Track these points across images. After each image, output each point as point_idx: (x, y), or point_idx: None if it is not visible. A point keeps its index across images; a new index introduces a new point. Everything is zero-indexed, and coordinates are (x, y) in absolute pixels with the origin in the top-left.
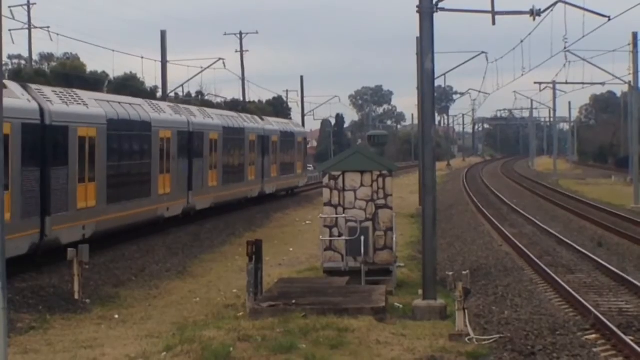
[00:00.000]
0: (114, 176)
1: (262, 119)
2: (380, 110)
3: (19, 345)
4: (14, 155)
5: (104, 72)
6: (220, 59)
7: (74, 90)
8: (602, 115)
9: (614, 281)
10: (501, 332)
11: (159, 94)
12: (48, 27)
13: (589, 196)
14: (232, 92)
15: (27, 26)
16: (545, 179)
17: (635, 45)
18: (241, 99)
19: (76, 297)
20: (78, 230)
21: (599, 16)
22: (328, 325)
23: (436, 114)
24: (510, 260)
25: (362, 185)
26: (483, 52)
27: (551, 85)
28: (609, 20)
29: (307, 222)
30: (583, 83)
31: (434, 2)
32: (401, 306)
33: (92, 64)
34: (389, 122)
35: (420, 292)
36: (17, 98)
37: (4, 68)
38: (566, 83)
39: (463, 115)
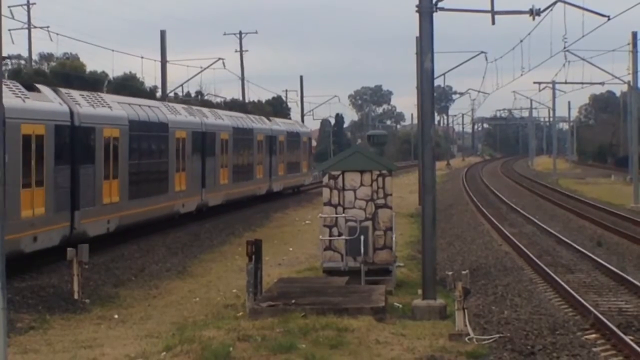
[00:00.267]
0: (135, 174)
1: (269, 120)
2: (379, 110)
3: (19, 345)
4: (48, 155)
5: (103, 72)
6: (219, 58)
7: (99, 93)
8: (602, 114)
9: (614, 281)
10: (501, 332)
11: (159, 93)
12: (48, 27)
13: (588, 195)
14: (232, 92)
15: (26, 26)
16: (545, 179)
17: (634, 45)
18: (240, 98)
19: (76, 297)
20: (103, 224)
21: (598, 16)
22: (327, 325)
23: (435, 114)
24: (510, 260)
25: (361, 184)
26: (482, 52)
27: (550, 85)
28: (609, 19)
29: (307, 221)
30: (582, 83)
31: (434, 2)
32: (401, 306)
33: (92, 63)
34: (388, 122)
35: (419, 291)
36: (50, 102)
37: (3, 68)
38: (565, 83)
39: (462, 115)
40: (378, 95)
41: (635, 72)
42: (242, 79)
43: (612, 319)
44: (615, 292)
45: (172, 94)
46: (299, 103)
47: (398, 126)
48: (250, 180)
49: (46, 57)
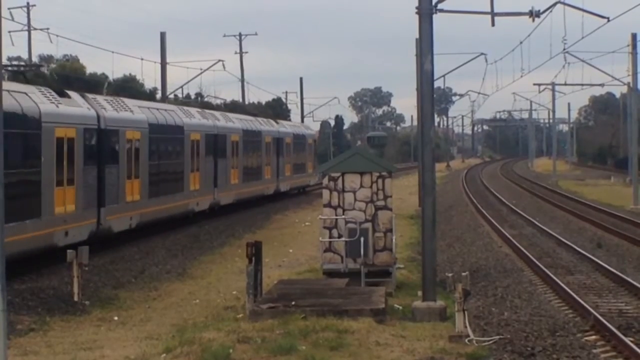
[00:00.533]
0: (154, 174)
1: (276, 122)
2: (379, 111)
3: (19, 347)
4: (78, 156)
5: (103, 73)
6: (219, 60)
7: (122, 98)
8: (601, 116)
9: (614, 282)
10: (501, 333)
11: (159, 95)
12: (47, 29)
13: (588, 197)
14: (232, 94)
15: (26, 28)
16: (545, 180)
17: (634, 46)
18: (240, 100)
19: (76, 298)
20: (126, 220)
21: (598, 17)
22: (327, 326)
23: (435, 115)
24: (510, 262)
25: (361, 186)
26: (482, 54)
27: (550, 87)
28: (608, 21)
29: (307, 223)
30: (582, 84)
31: (433, 4)
32: (401, 307)
33: (92, 65)
34: (388, 124)
35: (419, 293)
36: (80, 107)
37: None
38: (565, 84)
39: (462, 116)
40: (378, 97)
41: (635, 74)
42: (242, 80)
43: (612, 320)
44: (615, 294)
45: (172, 96)
46: (299, 105)
47: (398, 128)
48: (259, 181)
49: (46, 59)
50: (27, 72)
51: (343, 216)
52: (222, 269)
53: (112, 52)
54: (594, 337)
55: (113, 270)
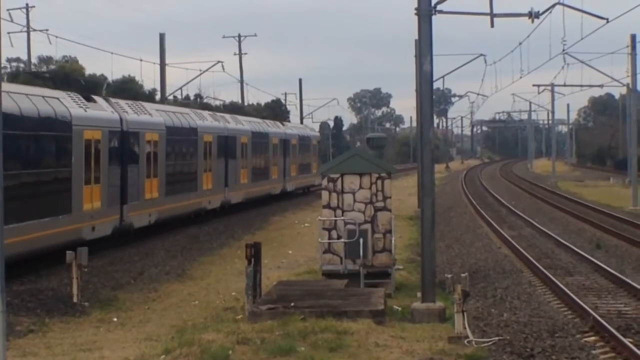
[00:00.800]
0: (170, 174)
1: (283, 124)
2: (378, 112)
3: (18, 349)
4: (103, 156)
5: (102, 74)
6: (219, 61)
7: (141, 102)
8: (601, 117)
9: (613, 283)
10: (500, 335)
11: (158, 96)
12: (47, 30)
13: (587, 198)
14: (231, 95)
15: (25, 29)
16: (544, 181)
17: (633, 47)
18: (239, 101)
19: (75, 300)
20: (146, 217)
21: (597, 18)
22: (327, 328)
23: (434, 117)
24: (509, 263)
25: (360, 187)
26: (481, 55)
27: (549, 88)
28: (608, 22)
29: (306, 224)
30: (581, 85)
31: (433, 5)
32: (400, 309)
33: (91, 66)
34: (387, 125)
35: (419, 294)
36: (104, 110)
37: (2, 71)
38: (564, 85)
39: (461, 117)
40: (377, 98)
41: (634, 75)
42: (241, 81)
43: (612, 321)
44: (615, 295)
45: (171, 97)
46: (298, 106)
47: (397, 129)
48: (266, 180)
49: (45, 60)
50: (25, 73)
51: (342, 217)
52: (221, 270)
53: (112, 53)
54: (593, 338)
55: (112, 271)
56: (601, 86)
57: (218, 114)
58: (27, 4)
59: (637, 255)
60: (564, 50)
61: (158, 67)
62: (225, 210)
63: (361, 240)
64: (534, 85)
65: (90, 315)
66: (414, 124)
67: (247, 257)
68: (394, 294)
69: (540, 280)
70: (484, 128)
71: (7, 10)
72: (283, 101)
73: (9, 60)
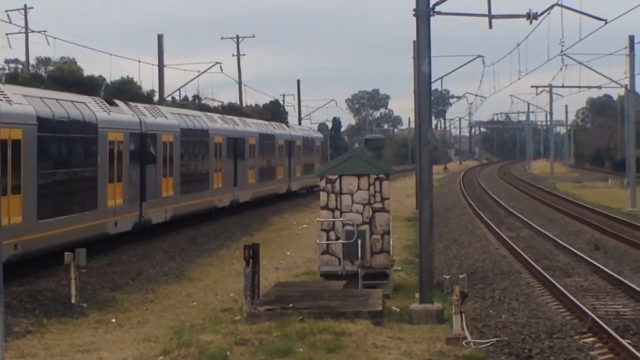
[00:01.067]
0: (184, 173)
1: (288, 126)
2: (376, 114)
3: (16, 350)
4: (125, 156)
5: (100, 76)
6: (217, 62)
7: (157, 106)
8: (599, 118)
9: (611, 284)
10: (498, 336)
11: (156, 98)
12: (45, 31)
13: (585, 199)
14: (229, 96)
15: (24, 30)
16: (542, 182)
17: (631, 48)
18: (238, 102)
19: (73, 301)
20: (162, 213)
21: (595, 19)
22: (325, 329)
23: (433, 118)
24: (507, 264)
25: (359, 188)
26: (480, 56)
27: (548, 89)
28: (606, 23)
29: (304, 225)
30: (580, 86)
31: (431, 6)
32: (398, 310)
33: (89, 68)
34: (385, 126)
35: (417, 295)
36: (125, 114)
37: (0, 72)
38: (563, 87)
39: (460, 118)
40: (375, 99)
41: (632, 76)
42: (240, 83)
43: (610, 322)
44: (613, 296)
45: (169, 98)
46: (297, 107)
47: (395, 130)
48: (273, 180)
49: (43, 61)
50: (23, 75)
51: (340, 218)
52: (219, 271)
53: (110, 54)
54: (591, 339)
55: (110, 272)
56: (599, 87)
57: (228, 116)
58: (25, 5)
59: (636, 257)
60: (562, 51)
61: (156, 68)
62: (233, 208)
63: (359, 242)
64: (532, 86)
65: (88, 316)
66: (412, 125)
67: (245, 258)
68: (392, 295)
69: (538, 281)
70: (482, 129)
71: (6, 11)
72: (281, 102)
73: (7, 61)
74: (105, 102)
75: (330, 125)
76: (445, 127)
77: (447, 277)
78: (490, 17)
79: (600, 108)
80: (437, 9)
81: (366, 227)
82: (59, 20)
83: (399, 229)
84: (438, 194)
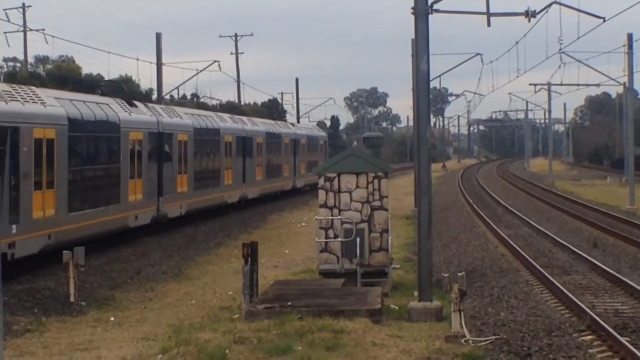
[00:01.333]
0: (198, 171)
1: (293, 125)
2: (375, 112)
3: (15, 348)
4: (144, 155)
5: (99, 74)
6: (215, 61)
7: (173, 107)
8: (598, 116)
9: (610, 282)
10: (497, 334)
11: (155, 96)
12: (43, 30)
13: (584, 197)
14: (228, 95)
15: (22, 29)
16: (541, 181)
17: (630, 46)
18: (237, 101)
19: (72, 299)
20: (178, 208)
21: (594, 18)
22: (324, 327)
23: (431, 116)
24: (506, 262)
25: (357, 187)
26: (478, 54)
27: (546, 87)
28: (604, 21)
29: (303, 224)
30: (578, 85)
31: (429, 4)
32: (397, 308)
33: (88, 66)
34: (384, 124)
35: (416, 293)
36: (144, 114)
37: None
38: (561, 85)
39: (458, 117)
40: (374, 98)
41: (630, 74)
42: (238, 81)
43: (609, 320)
44: (612, 294)
45: (168, 97)
46: (295, 105)
47: (394, 128)
48: (279, 178)
49: (42, 60)
50: (22, 74)
51: (339, 217)
52: (218, 270)
53: (108, 53)
54: (590, 337)
55: (109, 271)
56: (598, 85)
57: (236, 116)
58: (23, 4)
59: (634, 255)
60: (560, 49)
61: (155, 66)
62: (242, 204)
63: (358, 240)
64: (531, 84)
65: (87, 315)
66: (411, 123)
67: (244, 257)
68: (391, 294)
69: (537, 279)
70: (481, 127)
71: (4, 10)
72: (280, 101)
73: (5, 60)
74: (126, 104)
75: (329, 123)
76: (444, 126)
77: (446, 275)
78: (489, 15)
79: (599, 106)
80: (435, 7)
81: (365, 226)
82: (58, 19)
83: (398, 228)
84: (437, 192)
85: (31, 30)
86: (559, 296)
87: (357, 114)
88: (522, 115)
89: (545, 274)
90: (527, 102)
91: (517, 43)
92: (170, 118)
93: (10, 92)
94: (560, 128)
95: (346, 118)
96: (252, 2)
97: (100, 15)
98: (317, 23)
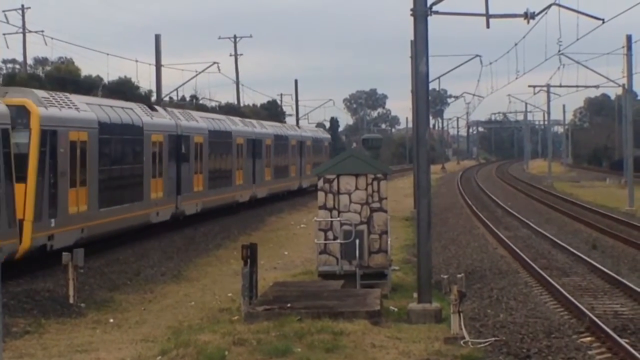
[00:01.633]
0: (212, 171)
1: (299, 128)
2: (374, 113)
3: (14, 350)
4: (164, 155)
5: (98, 76)
6: (214, 62)
7: (189, 111)
8: (596, 118)
9: (609, 284)
10: (496, 335)
11: (154, 98)
12: (42, 31)
13: (583, 199)
14: (227, 96)
15: (21, 30)
16: (540, 182)
17: (629, 48)
18: (235, 102)
19: (71, 301)
20: (194, 206)
21: (593, 19)
22: (323, 328)
23: (430, 117)
24: (505, 263)
25: (356, 188)
26: (477, 55)
27: (545, 88)
28: (603, 22)
29: (302, 225)
30: (577, 86)
31: (428, 5)
32: (396, 309)
33: (87, 68)
34: (383, 126)
35: (415, 295)
36: (164, 118)
37: None
38: (560, 86)
39: (457, 118)
40: (373, 99)
41: (629, 75)
42: (237, 83)
43: (608, 322)
44: (611, 295)
45: (167, 98)
46: (294, 107)
47: (393, 130)
48: (286, 178)
49: (41, 62)
50: (21, 75)
51: (338, 218)
52: (217, 271)
53: (107, 54)
54: (589, 338)
55: (108, 272)
56: (597, 87)
57: (247, 120)
58: (22, 5)
59: (633, 256)
60: (559, 51)
61: (154, 68)
62: (252, 203)
63: (357, 241)
64: (529, 86)
65: (86, 316)
66: (410, 124)
67: (243, 258)
68: (390, 295)
69: (536, 280)
70: (480, 129)
71: (3, 11)
72: (279, 102)
73: (4, 61)
74: (147, 108)
75: (327, 125)
76: (443, 127)
77: (445, 276)
78: (488, 16)
79: (597, 107)
80: (434, 8)
81: (364, 227)
82: (57, 20)
83: (397, 229)
84: (436, 193)
85: (30, 31)
86: (558, 297)
87: (356, 115)
88: (521, 117)
89: (544, 275)
90: (526, 104)
91: (516, 44)
92: (187, 121)
93: (48, 98)
94: (559, 129)
95: (345, 119)
96: (251, 3)
97: (99, 16)
98: (316, 24)
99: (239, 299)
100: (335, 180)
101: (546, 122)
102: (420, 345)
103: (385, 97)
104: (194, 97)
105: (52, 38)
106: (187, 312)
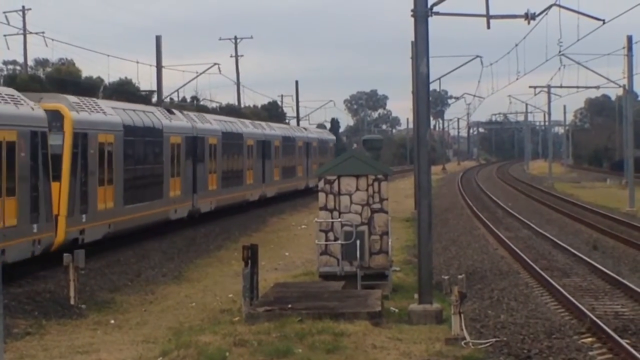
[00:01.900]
0: (224, 171)
1: (305, 129)
2: (375, 114)
3: (15, 351)
4: (182, 156)
5: (99, 77)
6: (215, 64)
7: (203, 114)
8: (597, 118)
9: (610, 284)
10: (497, 336)
11: (154, 99)
12: (43, 33)
13: (584, 199)
14: (227, 97)
15: (22, 32)
16: (541, 183)
17: (629, 48)
18: (236, 103)
19: (72, 302)
20: (209, 204)
21: (593, 19)
22: (324, 329)
23: (431, 118)
24: (506, 264)
25: (357, 189)
26: (478, 56)
27: (546, 89)
28: (604, 23)
29: (303, 226)
30: (578, 87)
31: (429, 6)
32: (397, 310)
33: (87, 69)
34: (383, 127)
35: (416, 296)
36: (182, 121)
37: None
38: (561, 87)
39: (458, 119)
40: (373, 100)
41: (630, 76)
42: (238, 84)
43: (609, 322)
44: (612, 296)
45: (167, 99)
46: (295, 108)
47: (393, 130)
48: (293, 178)
49: (41, 63)
50: (22, 76)
51: (339, 219)
52: (218, 272)
53: (108, 55)
54: (590, 339)
55: (109, 273)
56: (597, 87)
57: (257, 122)
58: (23, 7)
59: (634, 256)
60: (560, 51)
61: (154, 69)
62: (261, 202)
63: (358, 242)
64: (530, 86)
65: (87, 317)
66: (411, 125)
67: (244, 259)
68: (391, 296)
69: (537, 281)
70: (481, 130)
71: (4, 12)
72: (279, 103)
73: (5, 62)
74: (166, 111)
75: (328, 126)
76: (443, 128)
77: (446, 277)
78: (489, 17)
79: (598, 108)
80: (435, 9)
81: (365, 228)
82: (57, 21)
83: (398, 230)
84: (437, 194)
85: (31, 33)
86: (559, 298)
87: (356, 116)
88: (521, 118)
89: (545, 276)
90: (527, 104)
91: (516, 45)
92: (202, 123)
93: (79, 103)
94: (560, 130)
95: (346, 120)
96: (252, 4)
97: (100, 17)
98: (317, 25)
99: (239, 299)
100: (336, 181)
101: (547, 123)
102: (421, 346)
103: (385, 98)
104: (194, 98)
105: (52, 39)
106: (188, 313)
